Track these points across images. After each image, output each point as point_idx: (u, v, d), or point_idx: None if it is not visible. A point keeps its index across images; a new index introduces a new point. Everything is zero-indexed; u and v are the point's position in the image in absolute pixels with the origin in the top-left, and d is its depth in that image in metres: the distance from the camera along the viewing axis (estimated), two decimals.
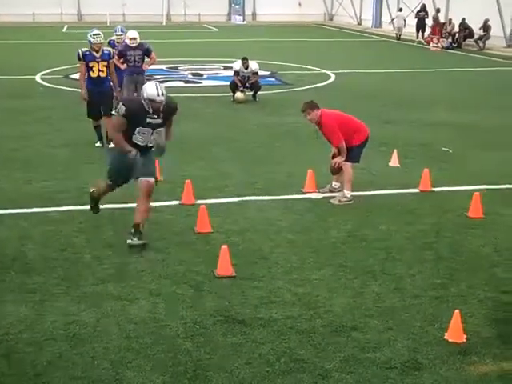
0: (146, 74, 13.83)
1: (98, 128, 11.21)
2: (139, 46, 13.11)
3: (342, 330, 5.28)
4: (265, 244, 7.08)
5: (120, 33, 13.75)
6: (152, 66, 20.59)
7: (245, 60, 15.64)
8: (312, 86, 18.08)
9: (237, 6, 45.89)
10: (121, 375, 4.68)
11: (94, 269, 6.43)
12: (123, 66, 13.13)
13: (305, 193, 8.75)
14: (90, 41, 10.93)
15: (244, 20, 45.09)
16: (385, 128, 12.49)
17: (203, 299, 5.82)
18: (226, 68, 21.09)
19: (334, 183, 8.73)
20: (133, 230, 6.87)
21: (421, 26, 32.88)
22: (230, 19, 46.14)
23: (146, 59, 13.28)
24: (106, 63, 10.82)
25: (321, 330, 5.30)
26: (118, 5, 42.54)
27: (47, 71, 19.90)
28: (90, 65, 10.77)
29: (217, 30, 38.92)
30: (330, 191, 8.71)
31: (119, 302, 5.75)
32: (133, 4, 42.96)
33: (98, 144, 11.19)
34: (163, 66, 20.81)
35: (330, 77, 19.95)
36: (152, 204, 8.25)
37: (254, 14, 46.87)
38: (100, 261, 6.62)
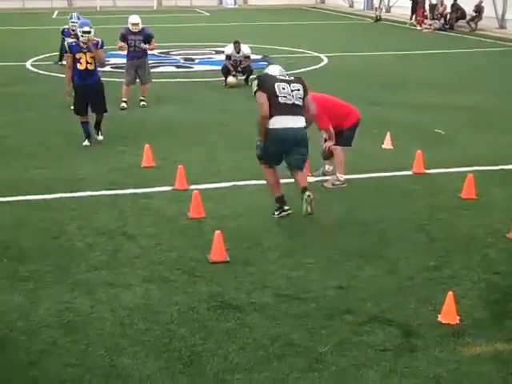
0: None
1: (85, 124, 10.42)
2: (141, 32, 13.05)
3: (335, 313, 5.29)
4: (258, 229, 7.08)
5: (76, 20, 13.08)
6: None
7: (237, 44, 15.55)
8: (305, 70, 17.98)
9: None
10: (115, 362, 4.68)
11: (87, 256, 6.42)
12: (124, 49, 13.13)
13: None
14: (77, 34, 10.58)
15: (235, 4, 44.83)
16: (377, 110, 12.46)
17: (197, 285, 5.81)
18: (217, 52, 20.97)
19: (327, 166, 8.71)
20: None
21: (415, 7, 32.68)
22: (221, 3, 45.86)
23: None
24: (93, 54, 10.20)
25: (314, 313, 5.31)
26: None
27: (38, 57, 19.75)
28: (77, 56, 10.17)
29: (208, 14, 38.69)
30: (324, 174, 8.70)
31: (112, 288, 5.74)
32: None
33: (86, 143, 10.34)
34: (155, 51, 20.65)
35: (322, 60, 19.88)
36: (144, 190, 8.29)
37: None
38: (92, 248, 6.60)
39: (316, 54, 21.10)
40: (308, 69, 18.20)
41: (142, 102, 13.11)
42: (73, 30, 13.06)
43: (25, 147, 10.31)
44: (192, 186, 8.19)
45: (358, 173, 8.85)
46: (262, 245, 6.64)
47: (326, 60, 19.84)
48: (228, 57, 15.58)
